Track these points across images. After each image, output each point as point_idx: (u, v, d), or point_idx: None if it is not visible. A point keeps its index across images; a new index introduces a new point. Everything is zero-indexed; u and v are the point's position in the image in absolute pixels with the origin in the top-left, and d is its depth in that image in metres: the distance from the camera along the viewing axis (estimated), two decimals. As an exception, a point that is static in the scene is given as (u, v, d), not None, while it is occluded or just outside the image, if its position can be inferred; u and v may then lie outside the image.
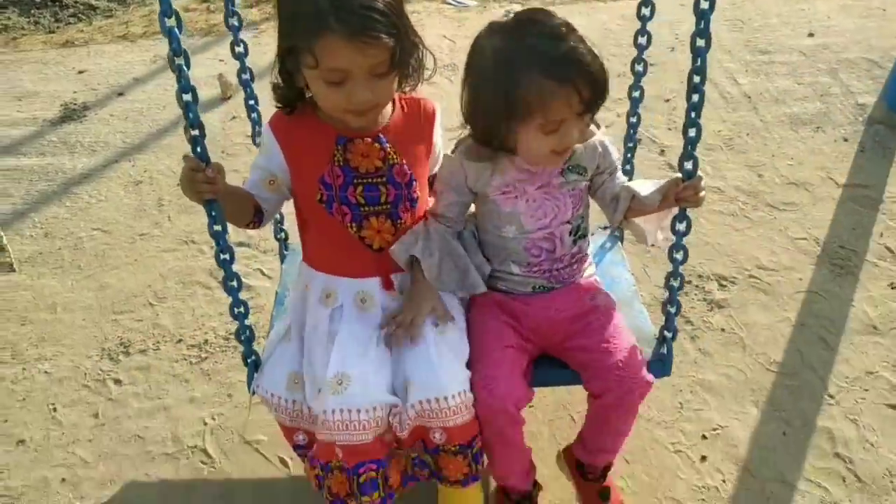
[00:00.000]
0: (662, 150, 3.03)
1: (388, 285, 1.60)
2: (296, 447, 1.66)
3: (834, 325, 2.27)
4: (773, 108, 3.24)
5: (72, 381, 2.22)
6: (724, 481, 1.90)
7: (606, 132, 1.65)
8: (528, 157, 1.55)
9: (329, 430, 1.45)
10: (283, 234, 2.01)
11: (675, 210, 1.54)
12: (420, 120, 1.61)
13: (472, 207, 1.71)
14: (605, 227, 2.06)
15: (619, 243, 2.03)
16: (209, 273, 2.56)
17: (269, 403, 1.60)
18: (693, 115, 1.43)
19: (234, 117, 3.31)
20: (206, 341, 2.32)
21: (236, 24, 1.71)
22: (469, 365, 1.56)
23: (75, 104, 3.51)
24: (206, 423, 2.08)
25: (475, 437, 1.55)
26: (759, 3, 4.13)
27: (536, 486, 1.76)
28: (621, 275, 1.91)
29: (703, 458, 1.95)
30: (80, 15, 4.53)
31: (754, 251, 2.54)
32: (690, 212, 1.53)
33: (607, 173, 1.66)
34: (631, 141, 1.97)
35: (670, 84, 3.38)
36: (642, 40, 1.80)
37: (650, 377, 1.58)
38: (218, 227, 1.45)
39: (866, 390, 2.09)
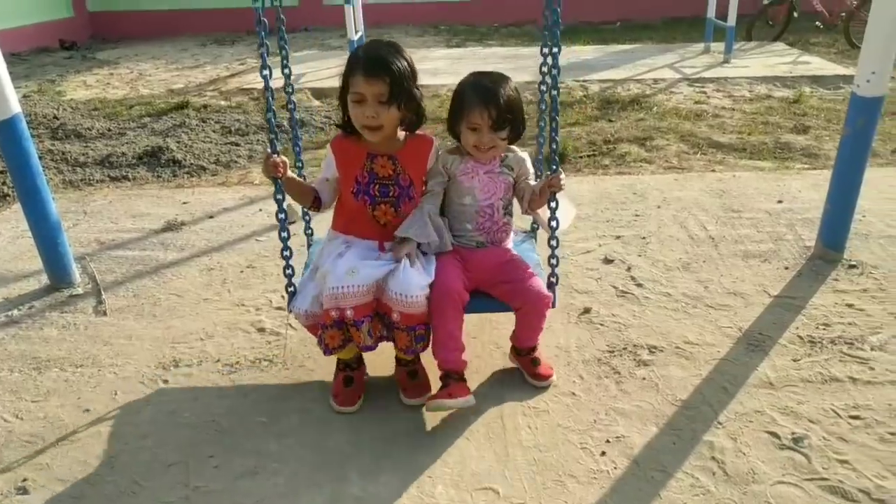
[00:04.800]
0: (629, 267, 3.66)
1: (381, 248, 2.58)
2: (319, 339, 2.51)
3: (737, 380, 2.74)
4: (731, 246, 3.86)
5: (132, 379, 2.90)
6: (615, 468, 2.35)
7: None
8: (465, 146, 2.56)
9: (338, 299, 2.37)
10: (310, 231, 3.10)
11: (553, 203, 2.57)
12: (421, 147, 2.60)
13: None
14: (526, 232, 3.14)
15: (534, 240, 3.10)
16: (250, 324, 3.27)
17: (298, 315, 2.56)
18: (553, 135, 2.42)
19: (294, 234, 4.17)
20: (237, 362, 2.98)
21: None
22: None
23: (175, 222, 4.47)
24: (225, 409, 2.70)
25: (419, 324, 2.46)
26: (742, 178, 4.89)
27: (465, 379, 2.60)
28: (531, 255, 2.86)
29: (603, 454, 2.41)
30: (192, 173, 5.70)
31: (685, 332, 3.08)
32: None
33: (523, 178, 2.67)
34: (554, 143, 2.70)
35: (649, 228, 4.09)
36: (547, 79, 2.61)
37: (548, 293, 2.58)
38: (279, 197, 2.51)
39: (751, 421, 2.53)
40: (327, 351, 2.50)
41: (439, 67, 8.60)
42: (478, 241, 2.66)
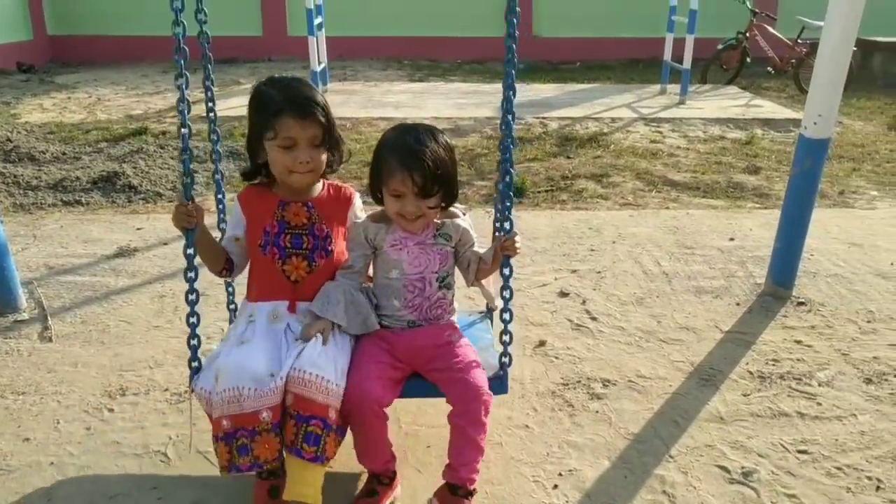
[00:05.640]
0: (584, 301, 3.70)
1: (292, 308, 2.23)
2: (221, 435, 2.03)
3: (688, 414, 2.77)
4: (684, 282, 3.93)
5: (76, 407, 2.82)
6: (567, 502, 2.34)
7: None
8: (389, 213, 2.21)
9: (242, 402, 2.00)
10: (233, 306, 2.70)
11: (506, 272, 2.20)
12: (340, 198, 2.34)
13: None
14: (481, 312, 2.75)
15: (489, 320, 2.71)
16: (201, 353, 3.19)
17: (200, 398, 2.11)
18: (507, 189, 2.12)
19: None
20: (186, 391, 2.91)
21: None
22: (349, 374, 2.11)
23: (128, 247, 4.40)
24: (170, 438, 2.64)
25: (313, 417, 2.00)
26: (696, 216, 4.99)
27: (395, 474, 2.28)
28: (484, 335, 2.56)
29: (555, 487, 2.40)
30: (148, 199, 5.62)
31: (638, 366, 3.10)
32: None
33: (467, 247, 2.30)
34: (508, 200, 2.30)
35: (604, 263, 4.14)
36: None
37: (489, 392, 2.16)
38: (190, 251, 2.17)
39: (702, 455, 2.55)
40: (231, 467, 2.02)
41: (401, 101, 8.64)
42: (408, 321, 2.27)
